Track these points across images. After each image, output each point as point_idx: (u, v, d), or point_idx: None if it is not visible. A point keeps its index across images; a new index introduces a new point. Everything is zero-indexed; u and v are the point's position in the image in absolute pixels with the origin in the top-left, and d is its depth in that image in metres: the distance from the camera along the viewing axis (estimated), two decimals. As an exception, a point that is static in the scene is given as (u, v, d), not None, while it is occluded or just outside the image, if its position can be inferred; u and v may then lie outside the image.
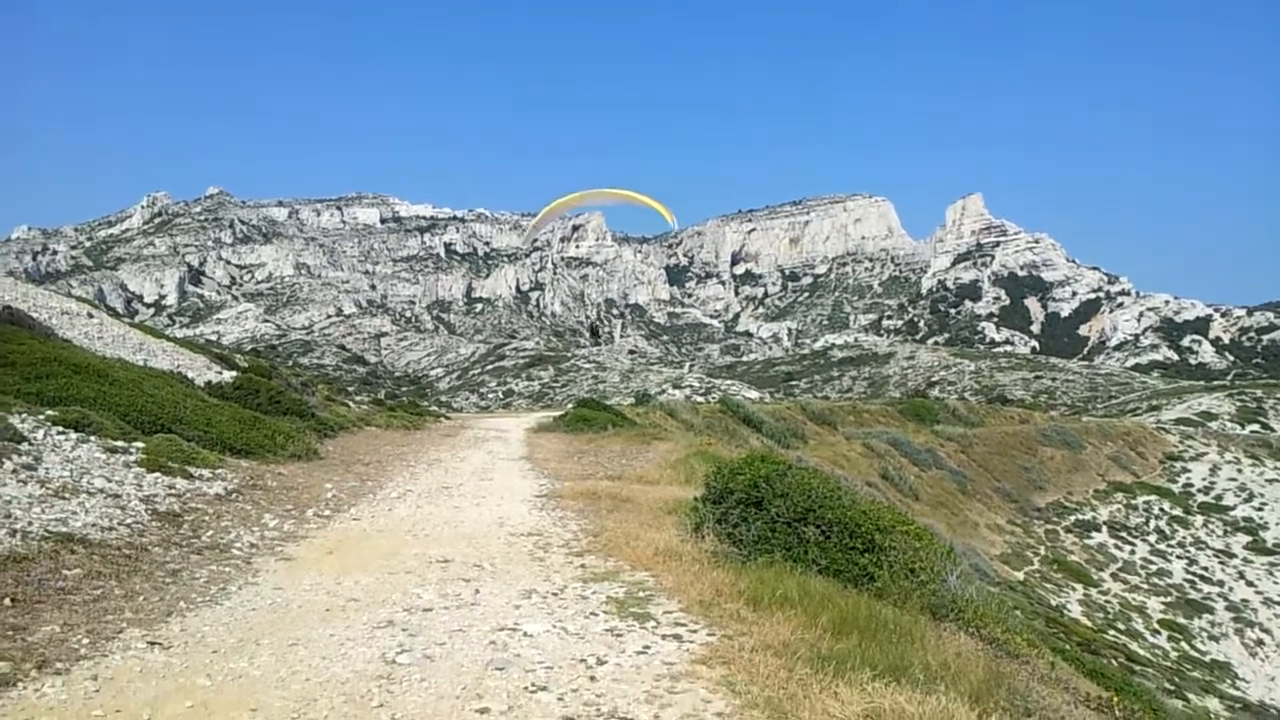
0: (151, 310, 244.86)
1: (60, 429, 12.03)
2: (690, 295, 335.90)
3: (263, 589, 7.76)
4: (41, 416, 12.31)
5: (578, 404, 39.33)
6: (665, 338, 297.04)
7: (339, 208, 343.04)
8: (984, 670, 6.09)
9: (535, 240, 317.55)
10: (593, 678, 5.71)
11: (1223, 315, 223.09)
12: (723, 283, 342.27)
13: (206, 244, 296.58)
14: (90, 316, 27.93)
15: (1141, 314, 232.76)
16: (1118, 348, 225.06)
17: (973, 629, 7.95)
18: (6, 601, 6.20)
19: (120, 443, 12.37)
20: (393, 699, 5.22)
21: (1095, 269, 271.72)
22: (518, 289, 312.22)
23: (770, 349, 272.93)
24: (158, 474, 11.49)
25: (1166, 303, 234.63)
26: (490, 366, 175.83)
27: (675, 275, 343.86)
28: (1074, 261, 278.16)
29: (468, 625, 6.88)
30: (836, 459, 38.69)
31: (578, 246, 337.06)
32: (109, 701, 4.94)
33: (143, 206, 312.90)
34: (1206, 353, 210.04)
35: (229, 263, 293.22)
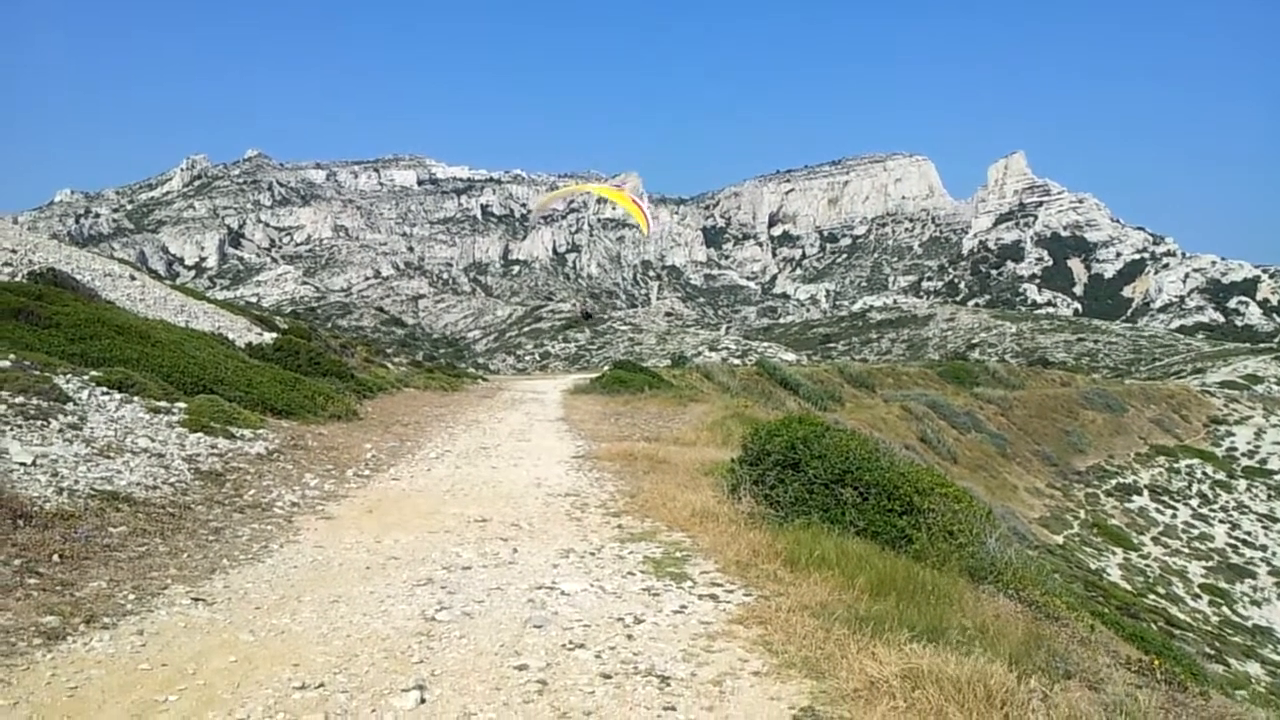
0: (192, 272, 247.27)
1: (104, 389, 12.18)
2: (727, 257, 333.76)
3: (304, 547, 7.86)
4: (86, 377, 12.48)
5: (614, 366, 39.39)
6: (702, 300, 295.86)
7: (376, 170, 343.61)
8: (1023, 632, 6.06)
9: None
10: (630, 636, 5.74)
11: (1271, 276, 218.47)
12: (760, 244, 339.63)
13: (246, 206, 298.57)
14: (132, 278, 28.23)
15: (1187, 275, 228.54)
16: (1162, 309, 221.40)
17: (1012, 591, 7.91)
18: (55, 558, 6.31)
19: (163, 403, 12.53)
20: (432, 655, 5.28)
21: (1140, 229, 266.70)
22: (554, 251, 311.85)
23: (808, 311, 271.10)
24: (200, 434, 11.63)
25: (1213, 263, 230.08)
26: (527, 328, 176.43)
27: (712, 237, 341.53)
28: (1119, 221, 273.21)
29: (506, 583, 6.93)
30: (874, 422, 38.48)
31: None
32: (155, 655, 5.02)
33: (182, 169, 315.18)
34: (1253, 314, 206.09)
35: (268, 225, 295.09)
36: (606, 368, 43.28)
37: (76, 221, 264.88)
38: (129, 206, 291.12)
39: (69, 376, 12.18)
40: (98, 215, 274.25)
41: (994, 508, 23.26)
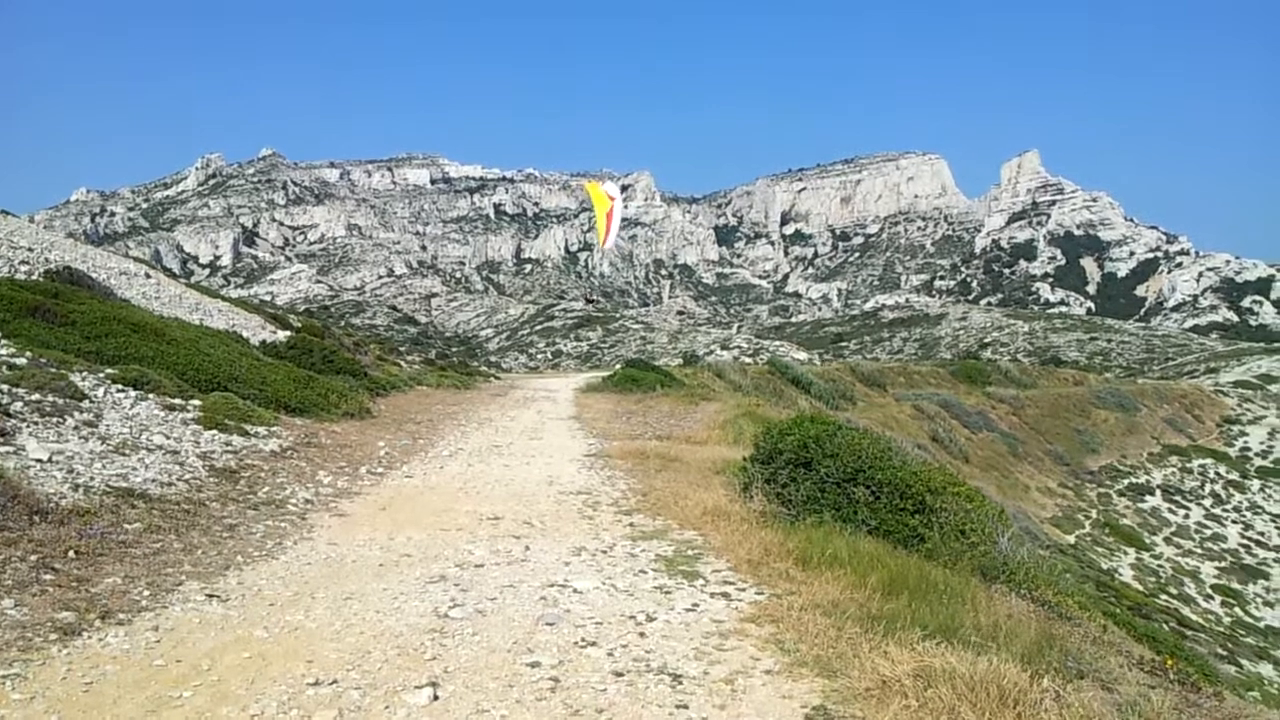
0: (207, 271, 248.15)
1: (120, 387, 12.26)
2: (739, 255, 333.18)
3: (317, 544, 7.90)
4: (101, 374, 12.55)
5: (626, 365, 39.41)
6: (714, 298, 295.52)
7: (389, 169, 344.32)
8: (1036, 632, 6.04)
9: (584, 202, 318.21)
10: (642, 634, 5.75)
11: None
12: (772, 243, 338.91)
13: (260, 205, 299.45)
14: (147, 277, 28.37)
15: (1201, 274, 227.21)
16: (1176, 309, 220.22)
17: (1024, 591, 7.88)
18: (70, 554, 6.35)
19: (178, 400, 12.60)
20: (445, 652, 5.30)
21: (1154, 228, 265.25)
22: (566, 250, 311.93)
23: (820, 310, 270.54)
24: (215, 431, 11.70)
25: (1227, 262, 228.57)
26: (539, 327, 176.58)
27: (724, 235, 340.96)
28: (1132, 220, 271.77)
29: (518, 581, 6.95)
30: (886, 421, 38.40)
31: (626, 206, 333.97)
32: (170, 652, 5.05)
33: (197, 168, 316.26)
34: (1268, 314, 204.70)
35: (282, 224, 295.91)
36: (618, 366, 43.31)
37: (92, 220, 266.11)
38: (144, 205, 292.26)
39: (85, 374, 12.25)
40: (113, 214, 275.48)
41: (1006, 507, 23.19)
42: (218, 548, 7.38)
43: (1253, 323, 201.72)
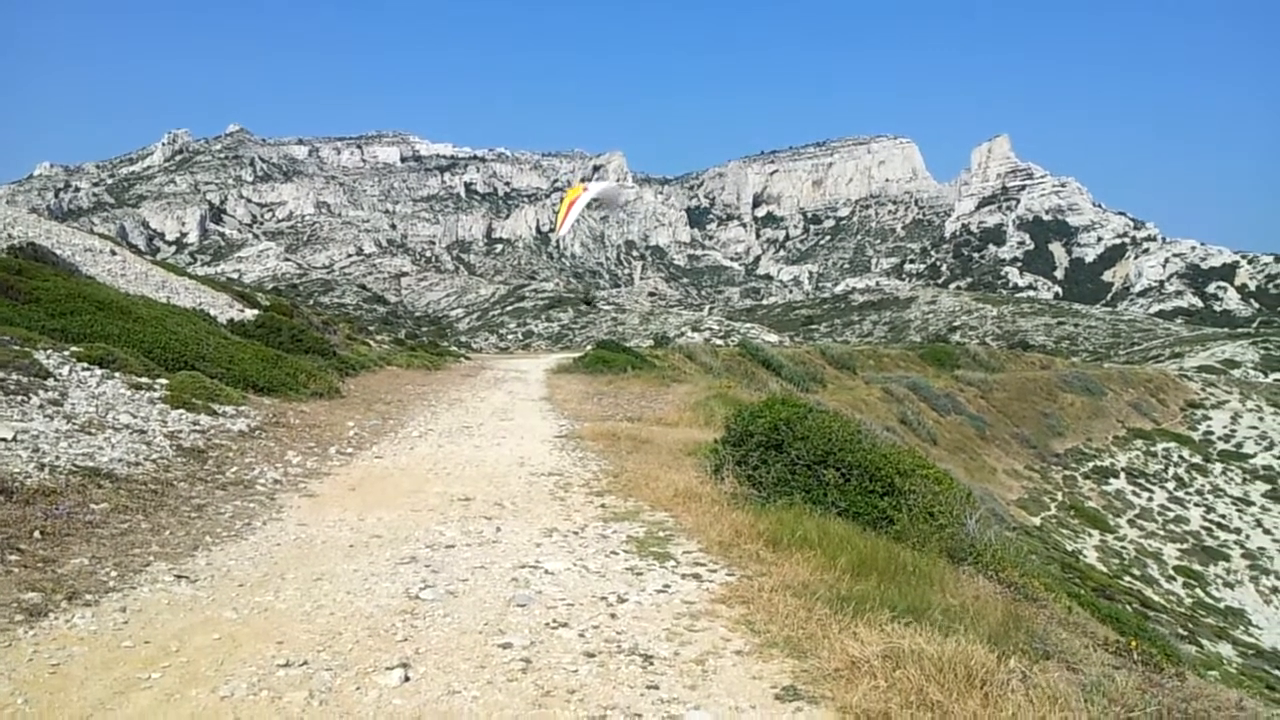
0: (173, 248, 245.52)
1: (85, 365, 12.12)
2: (711, 237, 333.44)
3: (287, 525, 7.85)
4: (67, 353, 12.40)
5: (597, 346, 39.35)
6: (685, 280, 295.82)
7: (359, 146, 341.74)
8: (1002, 613, 6.12)
9: (556, 182, 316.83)
10: (613, 615, 5.76)
11: (1249, 262, 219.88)
12: (744, 225, 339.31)
13: (227, 182, 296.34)
14: (113, 254, 28.02)
15: (1167, 260, 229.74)
16: (1142, 294, 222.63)
17: (991, 572, 7.98)
18: (36, 534, 6.28)
19: (144, 379, 12.46)
20: (416, 633, 5.29)
21: (1122, 214, 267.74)
22: (537, 230, 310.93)
23: (790, 292, 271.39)
24: (182, 410, 11.59)
25: (1193, 249, 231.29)
26: (510, 307, 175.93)
27: (696, 217, 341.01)
28: (1100, 206, 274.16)
29: (490, 562, 6.95)
30: (855, 403, 38.63)
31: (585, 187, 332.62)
32: (138, 633, 5.02)
33: (163, 144, 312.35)
34: (1232, 300, 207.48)
35: (250, 201, 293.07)
36: (589, 347, 43.24)
37: (56, 195, 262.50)
38: (109, 181, 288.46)
39: (49, 352, 12.10)
40: (78, 189, 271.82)
41: (973, 489, 23.42)
42: (186, 528, 7.32)
43: (1217, 308, 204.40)
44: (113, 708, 4.20)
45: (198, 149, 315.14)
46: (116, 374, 12.24)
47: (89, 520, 6.89)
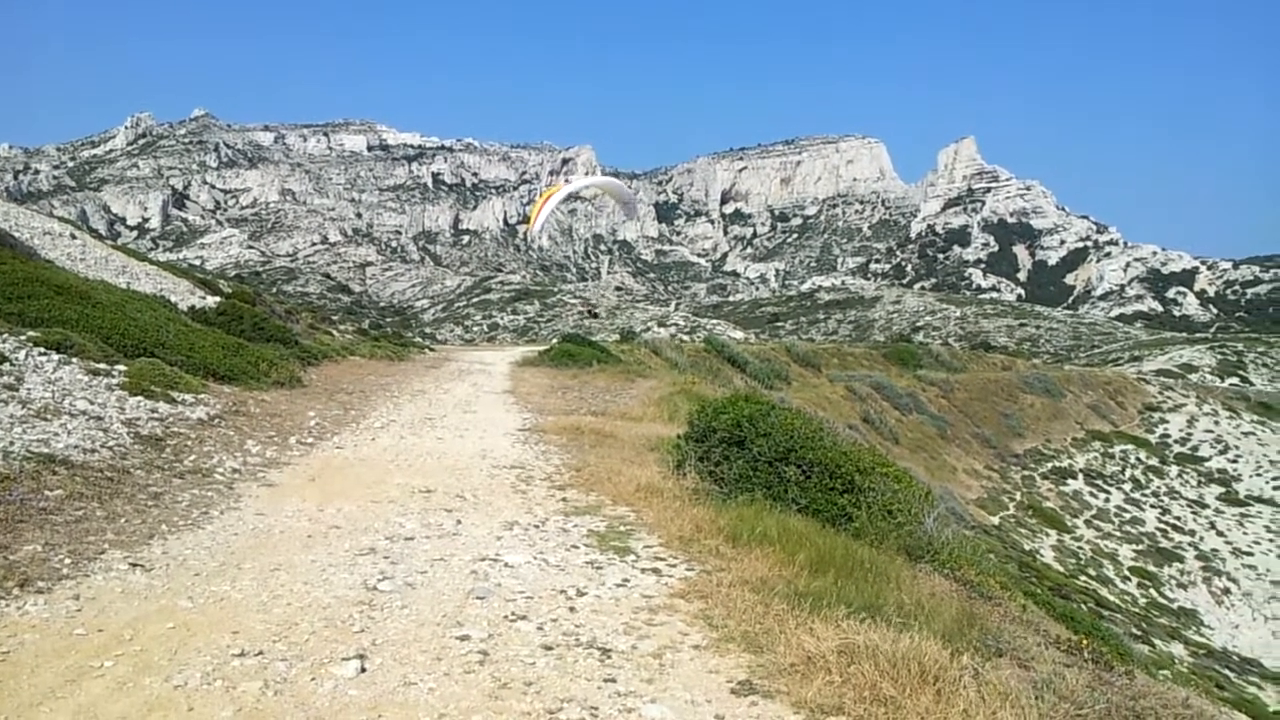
0: (134, 233, 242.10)
1: (42, 350, 11.95)
2: (679, 233, 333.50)
3: (245, 514, 7.80)
4: (23, 337, 12.23)
5: (562, 339, 39.26)
6: (652, 275, 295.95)
7: (326, 134, 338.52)
8: (957, 610, 6.18)
9: (524, 174, 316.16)
10: (572, 609, 5.78)
11: (1209, 268, 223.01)
12: (711, 221, 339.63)
13: (191, 167, 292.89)
14: (73, 238, 27.62)
15: (1128, 264, 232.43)
16: (1103, 297, 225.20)
17: (947, 570, 8.06)
18: (-12, 520, 6.20)
19: (103, 365, 12.31)
20: (374, 624, 5.28)
21: (1085, 218, 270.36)
22: (505, 222, 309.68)
23: (757, 289, 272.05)
24: (140, 397, 11.46)
25: (1154, 254, 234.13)
26: (476, 299, 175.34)
27: (664, 212, 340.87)
28: (1064, 209, 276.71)
29: (449, 554, 6.94)
30: (819, 401, 38.86)
31: (566, 180, 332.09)
32: (91, 620, 4.97)
33: (126, 127, 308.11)
34: (1191, 305, 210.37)
35: (213, 187, 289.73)
36: (555, 341, 43.16)
37: (15, 177, 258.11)
38: (70, 164, 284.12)
39: (5, 336, 11.93)
40: (37, 171, 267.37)
41: (933, 488, 23.61)
42: (142, 516, 7.25)
43: (1176, 313, 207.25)
44: (64, 696, 4.16)
45: (162, 133, 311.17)
46: (74, 359, 12.08)
47: (43, 507, 6.82)
